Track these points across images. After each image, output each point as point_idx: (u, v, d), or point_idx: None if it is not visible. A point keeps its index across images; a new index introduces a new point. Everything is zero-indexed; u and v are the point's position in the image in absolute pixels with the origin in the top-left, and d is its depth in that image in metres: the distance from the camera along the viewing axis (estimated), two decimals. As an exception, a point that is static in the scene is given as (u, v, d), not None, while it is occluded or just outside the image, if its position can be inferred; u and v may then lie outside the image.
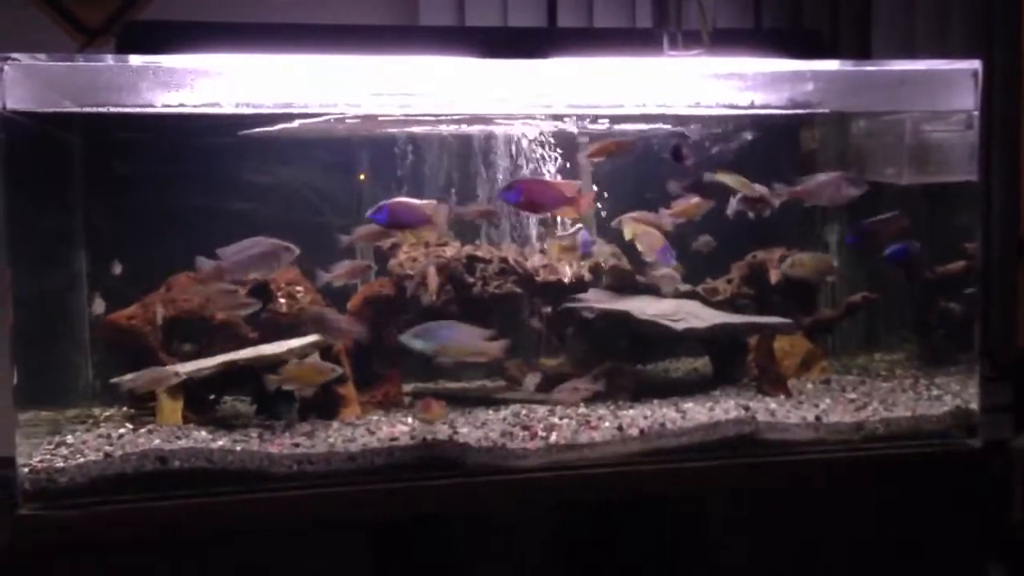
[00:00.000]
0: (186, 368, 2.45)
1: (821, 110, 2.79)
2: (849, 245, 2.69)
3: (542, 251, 2.87)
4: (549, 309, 2.82)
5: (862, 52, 3.55)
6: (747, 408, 2.49)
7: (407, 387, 2.76)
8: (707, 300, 2.92)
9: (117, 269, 2.66)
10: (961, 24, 3.58)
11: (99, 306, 2.64)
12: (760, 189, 2.69)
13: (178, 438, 2.27)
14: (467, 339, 2.41)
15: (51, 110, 2.31)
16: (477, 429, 2.39)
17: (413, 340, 2.36)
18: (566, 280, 2.79)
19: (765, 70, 2.54)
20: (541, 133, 2.85)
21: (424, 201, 2.45)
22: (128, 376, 2.43)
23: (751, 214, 2.71)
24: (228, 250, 2.35)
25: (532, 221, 2.88)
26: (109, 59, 2.31)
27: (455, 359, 2.44)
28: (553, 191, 2.50)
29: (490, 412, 2.55)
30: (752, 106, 2.62)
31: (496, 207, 2.84)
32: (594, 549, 2.36)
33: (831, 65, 2.57)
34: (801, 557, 2.39)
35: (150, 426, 2.38)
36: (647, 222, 2.73)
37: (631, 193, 2.88)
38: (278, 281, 2.69)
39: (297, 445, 2.27)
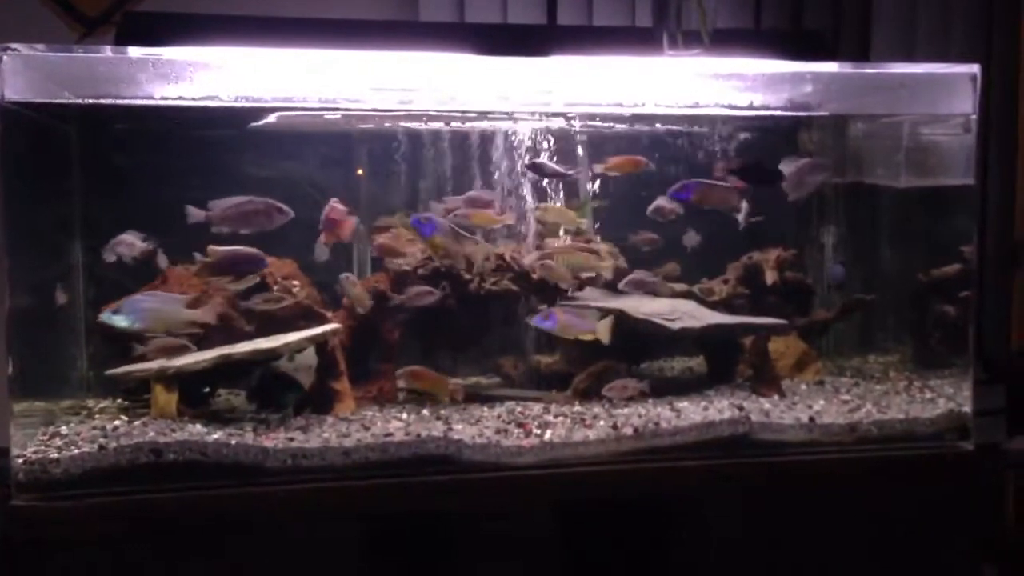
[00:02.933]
0: (181, 361, 2.45)
1: (820, 112, 2.80)
2: (673, 199, 2.70)
3: (538, 247, 2.87)
4: (545, 306, 2.82)
5: (862, 54, 3.56)
6: (741, 408, 2.50)
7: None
8: (703, 300, 2.93)
9: (111, 258, 2.64)
10: (961, 28, 3.59)
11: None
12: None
13: (173, 431, 2.26)
14: (168, 308, 2.33)
15: (49, 101, 2.30)
16: (472, 426, 2.40)
17: (113, 317, 2.26)
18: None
19: (764, 71, 2.54)
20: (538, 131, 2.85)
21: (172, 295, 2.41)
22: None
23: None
24: (220, 203, 2.35)
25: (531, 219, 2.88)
26: (108, 51, 2.30)
27: (161, 332, 2.37)
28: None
29: (485, 409, 2.55)
30: (751, 107, 2.63)
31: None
32: (587, 547, 2.37)
33: (830, 67, 2.57)
34: (793, 558, 2.40)
35: (144, 418, 2.38)
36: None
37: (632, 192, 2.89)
38: (275, 275, 2.69)
39: (292, 439, 2.27)
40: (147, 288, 2.63)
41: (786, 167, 2.70)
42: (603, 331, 2.58)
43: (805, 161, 2.73)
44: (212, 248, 2.45)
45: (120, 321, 2.28)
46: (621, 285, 2.75)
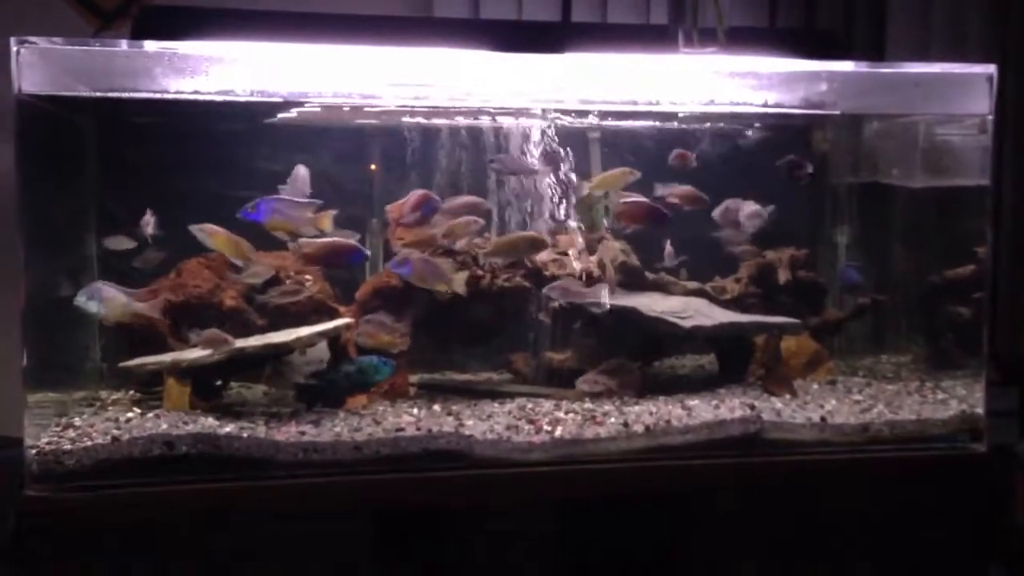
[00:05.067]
0: (193, 354, 2.46)
1: (834, 111, 2.79)
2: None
3: (553, 245, 2.87)
4: (557, 303, 2.82)
5: (877, 53, 3.55)
6: (752, 407, 2.50)
7: (413, 378, 2.77)
8: (715, 298, 2.92)
9: (126, 244, 2.66)
10: (977, 27, 3.57)
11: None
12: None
13: (185, 423, 2.28)
14: (120, 298, 2.39)
15: (66, 94, 2.31)
16: (483, 422, 2.40)
17: (88, 302, 2.32)
18: (575, 275, 2.79)
19: (779, 70, 2.54)
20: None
21: None
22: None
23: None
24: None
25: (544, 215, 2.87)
26: (124, 44, 2.31)
27: (113, 320, 2.45)
28: None
29: (496, 405, 2.55)
30: (766, 105, 2.62)
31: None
32: (596, 544, 2.37)
33: (845, 66, 2.57)
34: (803, 557, 2.39)
35: (157, 411, 2.39)
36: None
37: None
38: (287, 269, 2.70)
39: (303, 433, 2.28)
40: (161, 280, 2.65)
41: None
42: (458, 283, 2.59)
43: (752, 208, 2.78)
44: (304, 240, 2.50)
45: (93, 306, 2.33)
46: (545, 291, 2.71)
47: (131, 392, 2.62)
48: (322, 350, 2.55)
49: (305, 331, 2.51)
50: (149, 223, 2.63)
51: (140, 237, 2.65)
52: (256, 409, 2.48)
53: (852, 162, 3.09)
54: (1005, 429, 3.17)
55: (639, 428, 2.38)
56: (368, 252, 2.60)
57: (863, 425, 2.46)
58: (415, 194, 2.63)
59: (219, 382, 2.57)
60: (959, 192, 2.73)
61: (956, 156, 2.79)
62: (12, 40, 2.11)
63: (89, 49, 2.30)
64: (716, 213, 2.79)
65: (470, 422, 2.39)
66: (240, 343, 2.48)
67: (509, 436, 2.33)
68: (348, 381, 2.49)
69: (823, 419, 2.47)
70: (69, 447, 2.15)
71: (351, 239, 2.55)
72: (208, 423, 2.29)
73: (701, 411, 2.47)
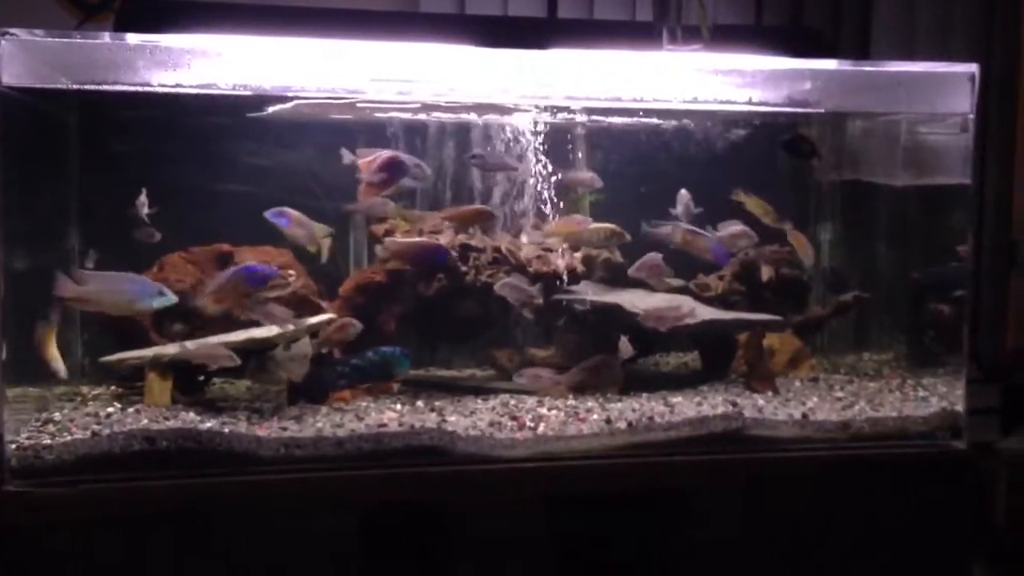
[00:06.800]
0: (174, 349, 2.45)
1: (817, 109, 2.80)
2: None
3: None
4: (541, 300, 2.82)
5: (862, 52, 3.56)
6: (735, 404, 2.50)
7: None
8: (699, 296, 2.93)
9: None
10: (962, 27, 3.59)
11: None
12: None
13: (166, 418, 2.27)
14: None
15: (47, 86, 2.30)
16: (466, 418, 2.40)
17: (160, 298, 2.33)
18: (559, 271, 2.79)
19: (763, 67, 2.54)
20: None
21: None
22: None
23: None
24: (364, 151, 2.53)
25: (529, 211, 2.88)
26: (106, 37, 2.30)
27: None
28: None
29: (479, 401, 2.55)
30: (749, 103, 2.63)
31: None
32: (579, 540, 2.37)
33: (829, 64, 2.57)
34: (784, 554, 2.40)
35: (138, 406, 2.38)
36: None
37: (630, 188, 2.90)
38: (271, 264, 2.68)
39: (285, 429, 2.27)
40: (147, 274, 2.63)
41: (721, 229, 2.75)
42: (323, 249, 2.60)
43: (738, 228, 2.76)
44: (390, 240, 2.59)
45: (164, 301, 2.35)
46: (496, 288, 2.68)
47: (112, 387, 2.61)
48: (305, 345, 2.54)
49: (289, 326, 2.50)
50: (144, 204, 2.61)
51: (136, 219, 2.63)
52: (238, 404, 2.47)
53: (835, 160, 3.10)
54: (986, 426, 3.19)
55: (622, 425, 2.38)
56: (453, 253, 2.67)
57: (844, 422, 2.47)
58: (383, 154, 2.56)
59: (201, 377, 2.56)
60: (941, 191, 2.74)
61: (938, 155, 2.80)
62: (-8, 32, 2.09)
63: (71, 42, 2.29)
64: (678, 209, 2.77)
65: (453, 418, 2.39)
66: (222, 338, 2.48)
67: (492, 432, 2.33)
68: (373, 368, 2.52)
69: (804, 416, 2.48)
70: (49, 442, 2.14)
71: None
72: (189, 418, 2.28)
73: (683, 408, 2.48)
